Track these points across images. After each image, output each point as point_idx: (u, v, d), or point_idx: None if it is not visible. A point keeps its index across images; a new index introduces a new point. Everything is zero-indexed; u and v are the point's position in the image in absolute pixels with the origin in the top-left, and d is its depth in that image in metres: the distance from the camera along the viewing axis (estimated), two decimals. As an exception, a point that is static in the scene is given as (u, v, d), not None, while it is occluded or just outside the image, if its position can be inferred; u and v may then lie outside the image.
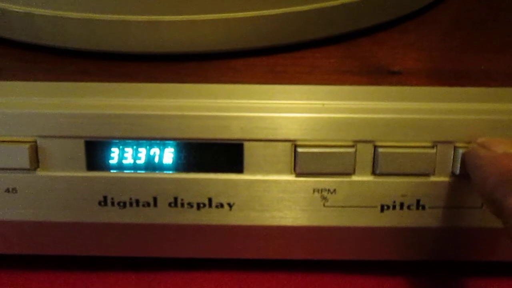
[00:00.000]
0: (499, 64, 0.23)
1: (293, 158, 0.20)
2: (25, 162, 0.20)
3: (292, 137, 0.20)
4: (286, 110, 0.20)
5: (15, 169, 0.21)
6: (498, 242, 0.22)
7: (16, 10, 0.23)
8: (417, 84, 0.22)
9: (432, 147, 0.20)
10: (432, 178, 0.21)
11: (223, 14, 0.22)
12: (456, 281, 0.24)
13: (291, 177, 0.21)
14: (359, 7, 0.24)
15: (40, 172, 0.21)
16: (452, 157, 0.20)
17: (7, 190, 0.21)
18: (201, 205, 0.21)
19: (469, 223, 0.21)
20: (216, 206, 0.21)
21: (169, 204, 0.21)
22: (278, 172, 0.21)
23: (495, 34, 0.26)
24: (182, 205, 0.21)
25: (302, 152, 0.20)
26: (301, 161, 0.20)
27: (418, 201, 0.21)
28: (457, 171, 0.20)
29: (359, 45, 0.25)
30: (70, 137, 0.20)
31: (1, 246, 0.22)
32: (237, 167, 0.21)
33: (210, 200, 0.21)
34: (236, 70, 0.23)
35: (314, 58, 0.23)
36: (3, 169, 0.21)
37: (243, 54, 0.23)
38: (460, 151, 0.20)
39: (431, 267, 0.24)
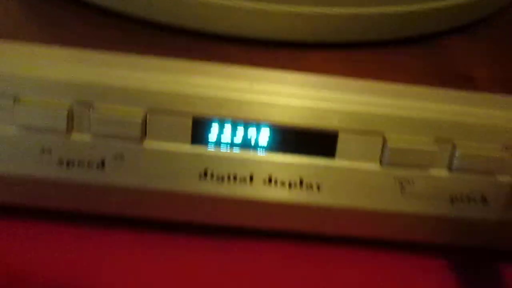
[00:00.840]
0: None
1: (381, 151, 0.23)
2: (135, 132, 0.22)
3: (381, 130, 0.23)
4: (377, 106, 0.23)
5: (124, 138, 0.22)
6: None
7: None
8: (490, 91, 0.24)
9: (502, 150, 0.23)
10: (499, 178, 0.23)
11: (323, 8, 0.24)
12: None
13: (377, 167, 0.23)
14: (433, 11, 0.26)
15: (147, 142, 0.23)
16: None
17: (115, 157, 0.23)
18: (293, 184, 0.23)
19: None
20: (306, 187, 0.23)
21: (263, 182, 0.23)
22: (366, 160, 0.23)
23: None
24: (276, 183, 0.23)
25: (390, 147, 0.23)
26: (388, 153, 0.23)
27: (483, 196, 0.24)
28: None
29: (432, 48, 0.27)
30: (178, 112, 0.22)
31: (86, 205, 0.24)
32: (330, 152, 0.23)
33: (301, 181, 0.23)
34: (330, 60, 0.25)
35: (394, 55, 0.26)
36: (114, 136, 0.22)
37: (328, 46, 0.25)
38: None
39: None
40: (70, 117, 0.22)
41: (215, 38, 0.24)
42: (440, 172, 0.23)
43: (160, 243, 0.25)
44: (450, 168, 0.23)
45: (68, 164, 0.23)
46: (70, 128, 0.22)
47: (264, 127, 0.23)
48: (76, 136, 0.22)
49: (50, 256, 0.24)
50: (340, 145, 0.23)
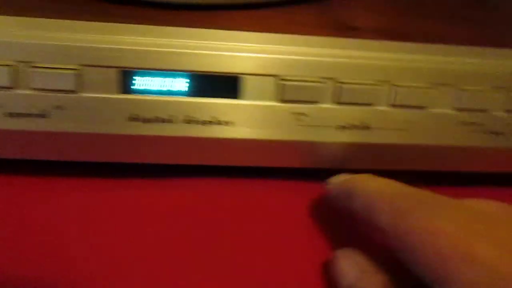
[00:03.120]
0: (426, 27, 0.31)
1: (279, 89, 0.28)
2: (71, 85, 0.26)
3: (275, 73, 0.27)
4: (273, 52, 0.27)
5: (63, 90, 0.26)
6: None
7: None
8: (367, 37, 0.29)
9: (376, 84, 0.28)
10: (375, 107, 0.29)
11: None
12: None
13: (276, 103, 0.28)
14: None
15: (83, 94, 0.27)
16: (389, 93, 0.28)
17: (56, 107, 0.27)
18: (207, 122, 0.28)
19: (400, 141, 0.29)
20: (218, 124, 0.28)
21: (183, 121, 0.28)
22: (266, 99, 0.28)
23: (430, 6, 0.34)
24: (193, 122, 0.28)
25: (284, 84, 0.27)
26: (284, 91, 0.28)
27: (365, 124, 0.29)
28: (394, 102, 0.28)
29: (331, 5, 0.32)
30: (107, 66, 0.26)
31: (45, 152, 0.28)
32: (235, 94, 0.28)
33: (214, 118, 0.28)
34: (233, 19, 0.29)
35: (295, 13, 0.30)
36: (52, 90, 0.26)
37: (239, 7, 0.30)
38: (396, 88, 0.28)
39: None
40: (15, 75, 0.26)
41: (145, 5, 0.29)
42: (329, 105, 0.28)
43: (97, 184, 0.30)
44: (337, 101, 0.28)
45: (13, 116, 0.27)
46: (15, 84, 0.26)
47: (180, 75, 0.27)
48: (20, 91, 0.26)
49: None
50: (243, 87, 0.28)
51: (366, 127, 0.29)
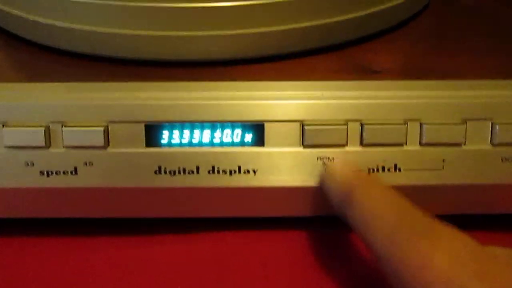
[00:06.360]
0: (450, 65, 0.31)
1: (301, 134, 0.27)
2: (100, 141, 0.27)
3: (299, 118, 0.27)
4: (295, 98, 0.27)
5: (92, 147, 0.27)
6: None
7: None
8: (391, 79, 0.29)
9: (404, 123, 0.27)
10: (405, 147, 0.28)
11: (251, 29, 0.29)
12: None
13: (300, 149, 0.28)
14: (349, 22, 0.32)
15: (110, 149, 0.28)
16: (419, 131, 0.27)
17: (85, 163, 0.28)
18: (233, 171, 0.28)
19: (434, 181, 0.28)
20: (244, 172, 0.28)
21: (208, 172, 0.28)
22: (290, 145, 0.28)
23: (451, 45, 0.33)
24: (218, 172, 0.28)
25: (308, 129, 0.27)
26: (307, 136, 0.27)
27: (395, 165, 0.28)
28: (424, 142, 0.27)
29: (350, 53, 0.32)
30: (133, 121, 0.27)
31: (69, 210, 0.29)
32: (260, 142, 0.28)
33: (239, 167, 0.28)
34: (253, 72, 0.30)
35: (316, 62, 0.31)
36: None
37: (262, 60, 0.30)
38: (425, 126, 0.27)
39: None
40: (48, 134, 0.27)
41: (161, 64, 0.30)
42: (355, 148, 0.28)
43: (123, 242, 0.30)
44: (361, 143, 0.27)
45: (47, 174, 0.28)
46: (48, 143, 0.28)
47: (204, 126, 0.28)
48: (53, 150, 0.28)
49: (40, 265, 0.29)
50: (267, 134, 0.27)
51: (396, 169, 0.28)
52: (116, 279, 0.28)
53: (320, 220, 0.30)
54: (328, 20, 0.31)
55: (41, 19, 0.31)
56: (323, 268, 0.28)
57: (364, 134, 0.27)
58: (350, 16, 0.32)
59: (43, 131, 0.27)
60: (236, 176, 0.28)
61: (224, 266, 0.28)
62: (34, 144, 0.27)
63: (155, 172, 0.28)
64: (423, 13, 0.37)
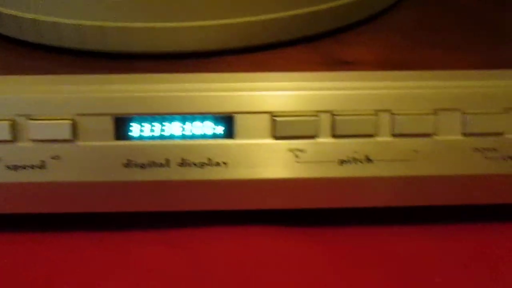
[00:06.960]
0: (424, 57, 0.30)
1: (272, 126, 0.27)
2: (67, 135, 0.27)
3: (270, 110, 0.27)
4: (266, 89, 0.27)
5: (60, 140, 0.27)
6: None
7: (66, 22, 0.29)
8: (363, 70, 0.29)
9: (375, 114, 0.27)
10: (376, 138, 0.27)
11: (221, 20, 0.29)
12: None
13: (271, 141, 0.27)
14: (323, 13, 0.31)
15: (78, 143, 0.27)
16: (390, 122, 0.27)
17: (53, 157, 0.27)
18: (203, 164, 0.27)
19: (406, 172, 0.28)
20: (215, 165, 0.27)
21: (178, 164, 0.27)
22: (261, 137, 0.27)
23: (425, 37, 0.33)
24: (189, 164, 0.27)
25: (279, 121, 0.27)
26: (278, 128, 0.27)
27: (367, 156, 0.27)
28: (395, 133, 0.27)
29: (323, 44, 0.32)
30: (101, 114, 0.27)
31: (44, 205, 0.28)
32: (230, 134, 0.27)
33: (210, 160, 0.27)
34: (225, 64, 0.29)
35: (289, 53, 0.30)
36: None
37: (233, 52, 0.30)
38: (396, 117, 0.27)
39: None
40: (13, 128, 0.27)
41: (130, 56, 0.30)
42: (326, 139, 0.27)
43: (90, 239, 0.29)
44: (333, 134, 0.27)
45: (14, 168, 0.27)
46: (14, 137, 0.27)
47: (173, 118, 0.27)
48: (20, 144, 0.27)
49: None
50: (238, 126, 0.27)
51: (368, 160, 0.28)
52: (86, 276, 0.27)
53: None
54: (301, 11, 0.31)
55: (6, 10, 0.31)
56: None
57: (335, 125, 0.27)
58: (323, 7, 0.31)
59: (9, 124, 0.27)
60: (207, 169, 0.27)
61: (206, 262, 0.28)
62: (0, 138, 0.27)
63: (125, 166, 0.27)
64: (399, 5, 0.37)
